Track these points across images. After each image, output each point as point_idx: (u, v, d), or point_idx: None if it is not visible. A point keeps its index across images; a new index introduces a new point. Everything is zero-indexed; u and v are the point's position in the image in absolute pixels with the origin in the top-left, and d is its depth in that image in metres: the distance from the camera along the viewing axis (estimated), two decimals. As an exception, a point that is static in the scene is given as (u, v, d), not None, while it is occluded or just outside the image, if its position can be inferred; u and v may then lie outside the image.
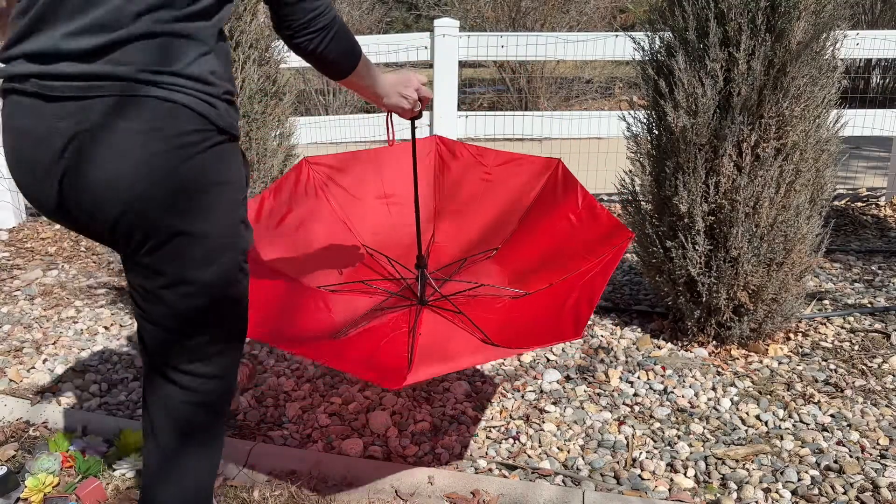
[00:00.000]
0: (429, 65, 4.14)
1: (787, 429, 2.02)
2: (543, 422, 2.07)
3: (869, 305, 2.80)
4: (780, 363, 2.37)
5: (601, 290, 1.50)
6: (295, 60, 3.85)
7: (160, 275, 1.15)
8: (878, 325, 2.62)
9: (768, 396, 2.18)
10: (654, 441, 1.98)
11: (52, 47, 1.03)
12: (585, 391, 2.23)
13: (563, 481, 1.83)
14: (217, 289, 1.20)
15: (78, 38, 1.03)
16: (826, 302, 2.84)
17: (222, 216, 1.17)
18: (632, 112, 2.62)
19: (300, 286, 1.92)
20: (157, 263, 1.14)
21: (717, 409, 2.12)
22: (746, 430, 2.02)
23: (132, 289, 1.21)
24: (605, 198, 4.54)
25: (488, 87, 8.74)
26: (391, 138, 1.73)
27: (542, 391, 2.24)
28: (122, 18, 1.04)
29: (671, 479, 1.82)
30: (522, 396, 2.21)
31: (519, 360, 2.43)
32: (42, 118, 1.06)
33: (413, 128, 1.80)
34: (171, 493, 1.29)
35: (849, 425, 2.02)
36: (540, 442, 1.98)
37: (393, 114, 1.65)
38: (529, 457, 1.92)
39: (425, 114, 4.09)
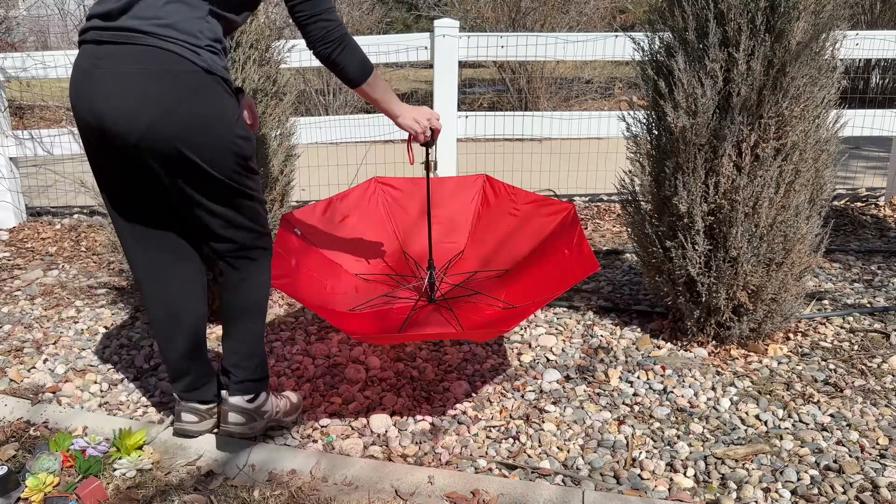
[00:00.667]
0: (429, 65, 4.15)
1: (787, 429, 2.03)
2: (543, 422, 2.08)
3: (868, 305, 2.80)
4: (779, 363, 2.38)
5: (549, 301, 1.88)
6: (295, 61, 3.85)
7: (185, 181, 1.62)
8: (877, 325, 2.63)
9: (768, 396, 2.18)
10: (654, 441, 1.98)
11: (106, 10, 1.56)
12: (585, 391, 2.24)
13: (563, 481, 1.83)
14: (228, 182, 1.67)
15: (115, 1, 1.55)
16: (825, 302, 2.84)
17: (218, 129, 1.60)
18: (631, 112, 2.62)
19: (342, 270, 2.38)
20: (178, 171, 1.60)
21: (716, 409, 2.12)
22: (746, 430, 2.02)
23: (175, 193, 1.67)
24: (605, 198, 4.54)
25: (488, 88, 8.75)
26: (411, 160, 2.07)
27: (541, 391, 2.24)
28: None
29: (671, 479, 1.82)
30: (522, 396, 2.21)
31: (519, 360, 2.44)
32: (90, 57, 1.55)
33: (427, 153, 2.16)
34: (244, 296, 1.85)
35: (848, 425, 2.02)
36: (540, 442, 1.98)
37: (413, 141, 2.05)
38: (529, 456, 1.93)
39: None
